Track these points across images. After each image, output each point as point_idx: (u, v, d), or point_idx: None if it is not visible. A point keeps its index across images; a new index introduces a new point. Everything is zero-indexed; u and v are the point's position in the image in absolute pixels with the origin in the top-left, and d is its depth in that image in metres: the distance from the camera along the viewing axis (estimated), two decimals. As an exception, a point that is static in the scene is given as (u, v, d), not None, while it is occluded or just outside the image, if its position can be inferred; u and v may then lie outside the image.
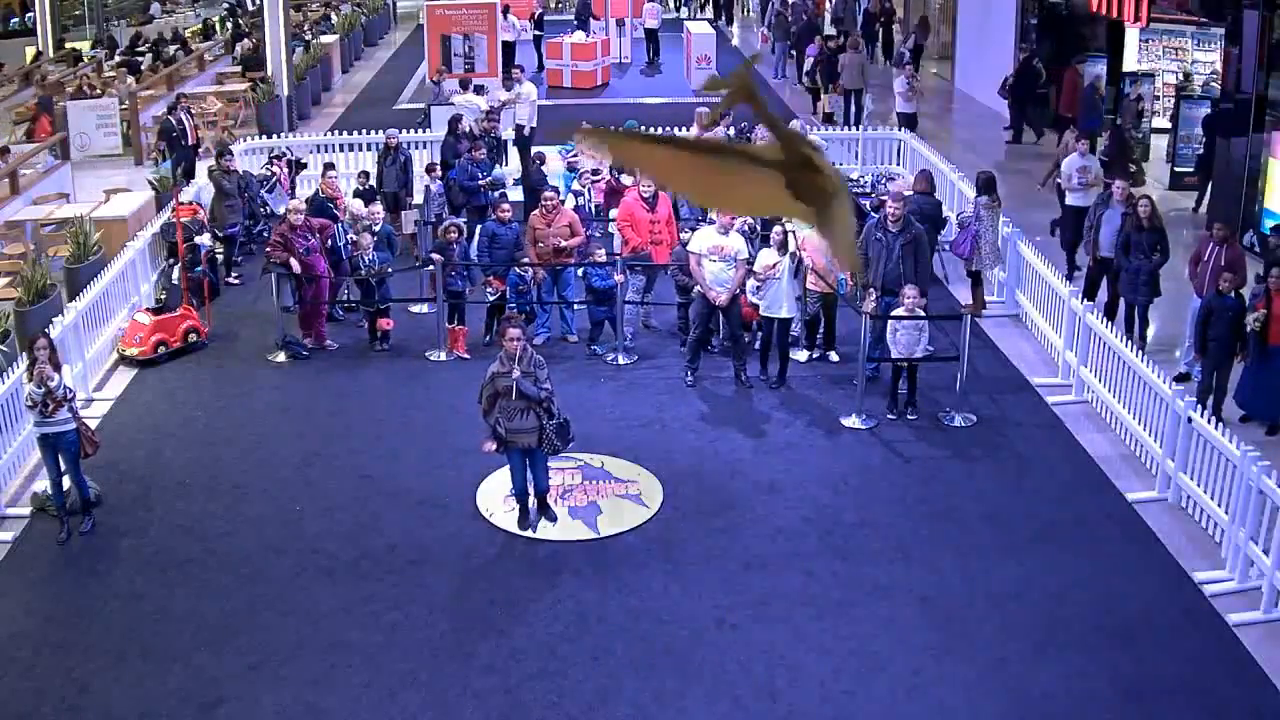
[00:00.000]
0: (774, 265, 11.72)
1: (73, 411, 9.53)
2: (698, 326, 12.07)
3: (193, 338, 13.06)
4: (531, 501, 9.77)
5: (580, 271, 12.69)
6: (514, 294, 12.99)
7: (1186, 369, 11.57)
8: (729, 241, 11.81)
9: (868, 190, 16.21)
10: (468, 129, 16.96)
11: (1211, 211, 16.36)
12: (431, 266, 13.03)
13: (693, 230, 12.87)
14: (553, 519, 9.74)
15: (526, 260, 12.97)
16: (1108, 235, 13.05)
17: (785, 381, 12.06)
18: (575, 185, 16.08)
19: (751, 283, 11.94)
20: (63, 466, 9.58)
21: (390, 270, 13.25)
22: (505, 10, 27.57)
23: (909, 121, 20.38)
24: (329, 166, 15.52)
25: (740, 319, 12.18)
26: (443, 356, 12.82)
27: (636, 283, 13.07)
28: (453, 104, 19.10)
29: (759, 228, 13.39)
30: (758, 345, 12.38)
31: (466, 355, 12.87)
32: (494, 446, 9.54)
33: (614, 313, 12.77)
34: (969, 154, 20.85)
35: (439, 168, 15.86)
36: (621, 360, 12.67)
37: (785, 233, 11.90)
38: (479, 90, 19.12)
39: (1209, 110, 17.98)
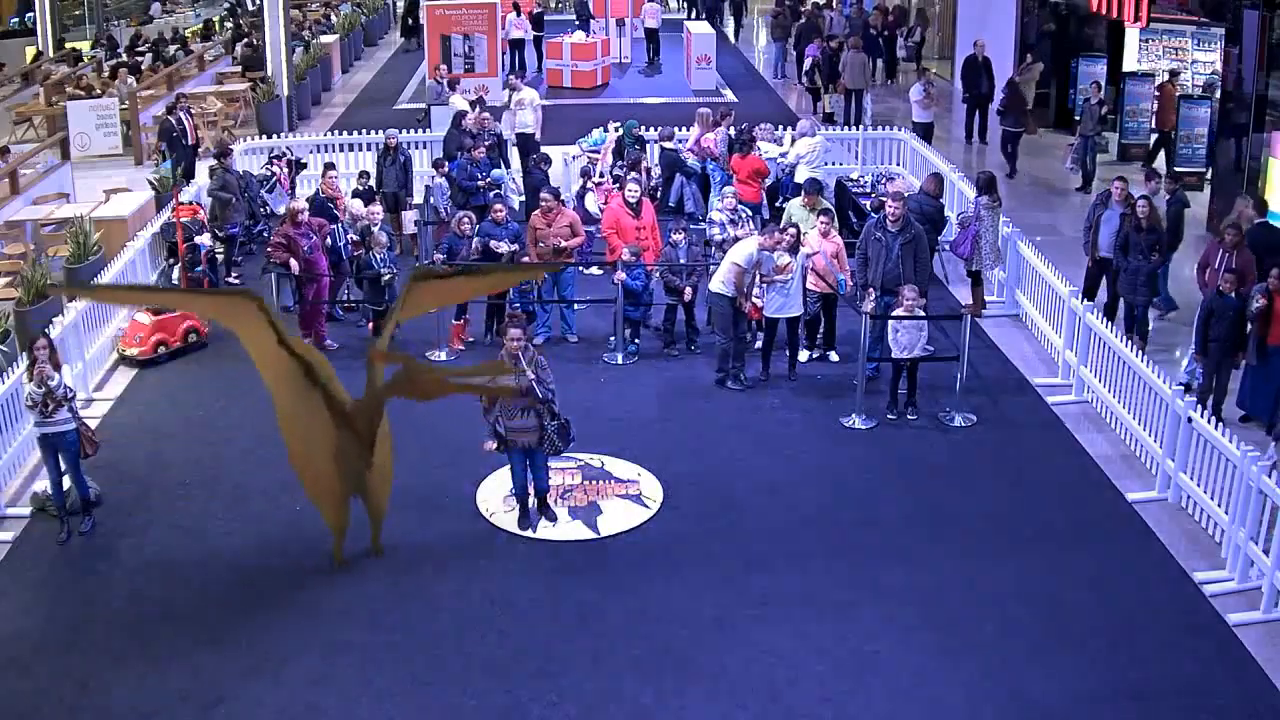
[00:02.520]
0: (787, 266, 11.74)
1: (73, 411, 9.54)
2: (732, 338, 11.98)
3: (193, 338, 13.06)
4: (532, 501, 9.77)
5: (618, 277, 12.65)
6: (516, 293, 13.01)
7: (1187, 379, 11.46)
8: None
9: (868, 190, 16.20)
10: (469, 126, 16.96)
11: (1212, 213, 16.35)
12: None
13: (685, 230, 12.93)
14: (553, 519, 9.74)
15: (525, 260, 12.98)
16: (1106, 236, 13.06)
17: (796, 372, 12.20)
18: (590, 183, 16.01)
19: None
20: (63, 466, 9.59)
21: (397, 272, 13.27)
22: (516, 8, 27.54)
23: (924, 131, 19.65)
24: (329, 166, 15.51)
25: (744, 317, 12.17)
26: (443, 356, 12.82)
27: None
28: (452, 104, 19.09)
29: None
30: (758, 345, 12.39)
31: (462, 348, 12.92)
32: (494, 445, 9.55)
33: (646, 313, 13.07)
34: (969, 154, 20.88)
35: (445, 161, 15.84)
36: (621, 360, 12.68)
37: (797, 234, 11.93)
38: (477, 100, 19.03)
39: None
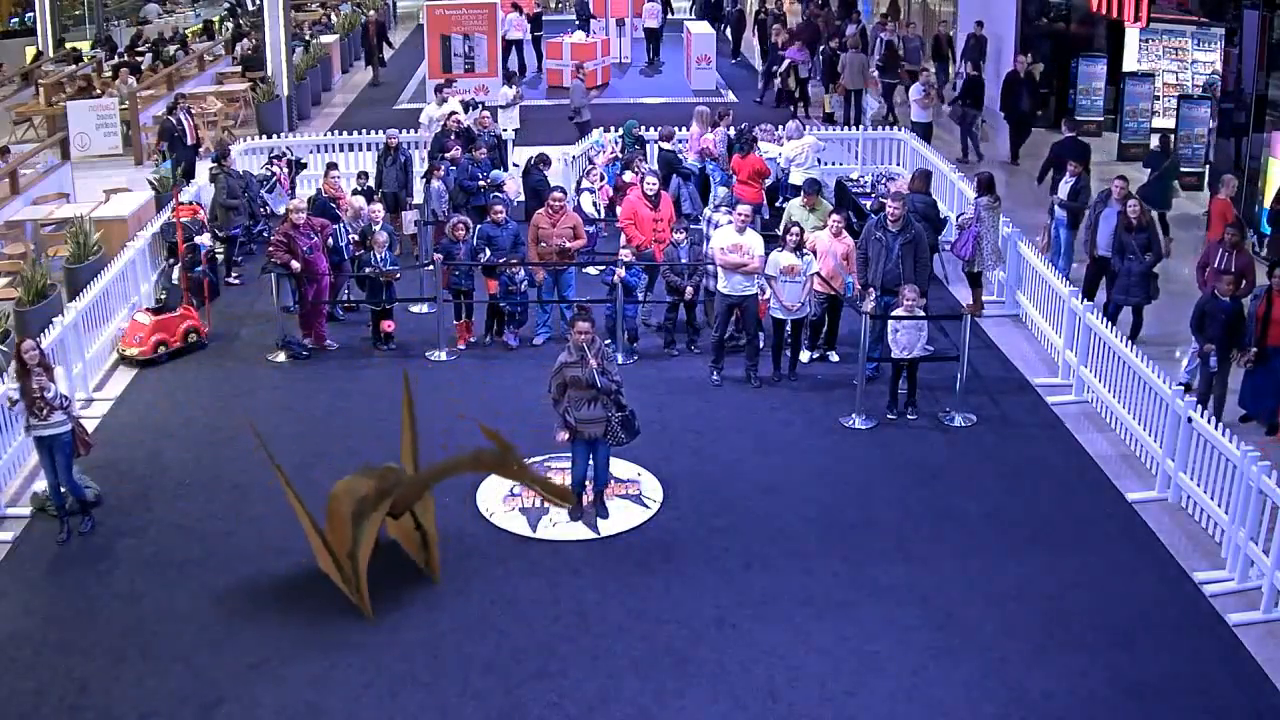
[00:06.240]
0: (793, 267, 11.74)
1: (67, 413, 9.48)
2: (719, 328, 12.16)
3: (193, 338, 13.06)
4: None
5: (618, 274, 12.64)
6: (503, 294, 12.93)
7: (1187, 379, 11.46)
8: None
9: (868, 190, 16.18)
10: (454, 127, 16.95)
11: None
12: (430, 267, 13.05)
13: (686, 230, 12.94)
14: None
15: (518, 260, 12.95)
16: (1105, 234, 13.05)
17: (795, 374, 12.24)
18: (585, 183, 15.99)
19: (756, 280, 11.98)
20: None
21: (398, 275, 13.25)
22: (516, 7, 27.49)
23: (924, 131, 19.55)
24: (331, 166, 15.49)
25: (757, 318, 12.16)
26: (443, 356, 12.82)
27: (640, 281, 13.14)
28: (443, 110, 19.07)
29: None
30: (760, 344, 12.38)
31: (464, 347, 12.94)
32: (565, 436, 9.58)
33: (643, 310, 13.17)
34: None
35: (445, 163, 15.85)
36: (621, 360, 12.67)
37: (801, 234, 11.91)
38: (471, 102, 19.03)
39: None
